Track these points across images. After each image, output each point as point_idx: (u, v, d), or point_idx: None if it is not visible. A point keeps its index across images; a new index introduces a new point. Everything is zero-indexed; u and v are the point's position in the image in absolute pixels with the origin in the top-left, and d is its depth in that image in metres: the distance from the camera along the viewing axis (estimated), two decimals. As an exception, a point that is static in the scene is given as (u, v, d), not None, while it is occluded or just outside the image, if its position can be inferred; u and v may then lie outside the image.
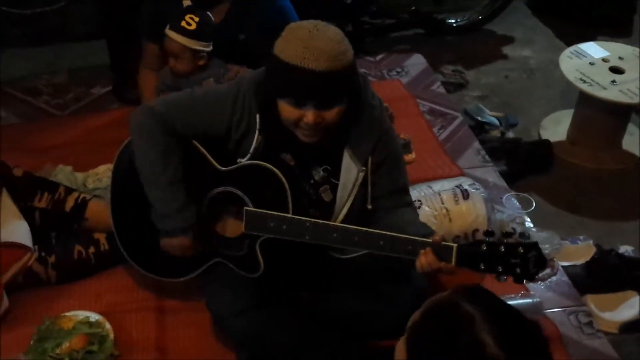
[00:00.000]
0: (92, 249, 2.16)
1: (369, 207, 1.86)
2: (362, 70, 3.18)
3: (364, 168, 1.81)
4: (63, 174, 2.45)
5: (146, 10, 2.48)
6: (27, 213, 2.14)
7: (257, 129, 1.80)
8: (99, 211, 2.18)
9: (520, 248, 1.59)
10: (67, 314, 2.01)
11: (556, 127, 3.25)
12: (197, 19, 2.25)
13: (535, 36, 4.05)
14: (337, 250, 1.95)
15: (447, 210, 2.15)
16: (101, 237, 2.18)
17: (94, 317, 2.01)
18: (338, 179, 1.84)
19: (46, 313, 2.01)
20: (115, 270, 2.19)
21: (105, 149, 2.62)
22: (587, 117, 3.06)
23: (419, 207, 2.14)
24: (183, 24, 2.24)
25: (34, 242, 2.10)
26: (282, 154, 1.85)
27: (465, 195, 2.18)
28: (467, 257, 1.64)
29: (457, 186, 2.21)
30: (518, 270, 1.61)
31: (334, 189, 1.86)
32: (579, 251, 2.51)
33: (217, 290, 1.91)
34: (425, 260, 1.66)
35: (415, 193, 2.19)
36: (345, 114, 1.73)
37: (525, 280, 1.64)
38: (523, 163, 2.97)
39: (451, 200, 2.17)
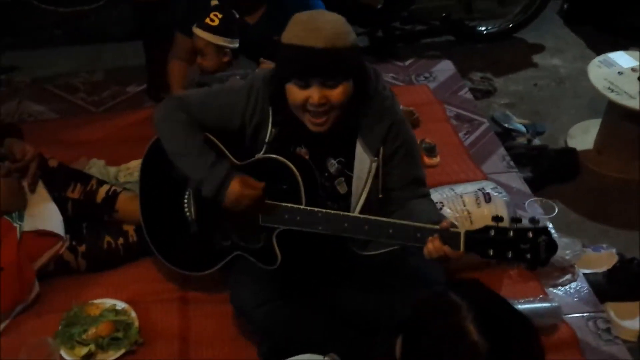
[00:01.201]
0: (120, 240, 2.23)
1: (380, 196, 1.88)
2: (390, 74, 3.28)
3: (376, 158, 1.84)
4: (96, 167, 2.54)
5: (183, 6, 2.57)
6: (60, 203, 2.22)
7: (270, 123, 1.86)
8: (129, 203, 2.25)
9: (530, 233, 1.56)
10: (95, 301, 2.09)
11: (584, 136, 3.24)
12: (220, 16, 2.34)
13: (565, 45, 4.05)
14: (358, 246, 1.99)
15: (468, 212, 2.17)
16: (130, 228, 2.25)
17: (120, 305, 2.08)
18: (352, 171, 1.88)
19: (75, 300, 2.08)
20: (142, 261, 2.25)
21: (137, 145, 2.68)
22: (615, 127, 3.05)
23: (441, 208, 2.16)
24: (207, 20, 2.34)
25: (66, 231, 2.18)
26: (297, 147, 1.90)
27: (487, 198, 2.20)
28: (476, 243, 1.63)
29: (479, 189, 2.23)
30: (528, 255, 1.58)
31: (348, 180, 1.90)
32: (601, 259, 2.50)
33: (240, 282, 1.95)
34: (432, 246, 1.67)
35: (437, 195, 2.22)
36: (355, 102, 1.77)
37: (537, 267, 1.61)
38: (548, 170, 2.97)
39: (473, 203, 2.19)
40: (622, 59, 3.10)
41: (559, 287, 2.24)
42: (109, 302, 2.09)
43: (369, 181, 1.86)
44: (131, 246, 2.24)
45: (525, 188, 2.64)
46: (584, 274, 2.32)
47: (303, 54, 1.67)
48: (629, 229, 2.81)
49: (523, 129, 3.21)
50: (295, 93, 1.73)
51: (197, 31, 2.36)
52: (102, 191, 2.29)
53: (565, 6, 4.28)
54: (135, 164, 2.59)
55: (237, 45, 2.40)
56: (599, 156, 3.11)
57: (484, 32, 3.94)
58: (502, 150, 2.84)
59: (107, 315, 2.04)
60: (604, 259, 2.50)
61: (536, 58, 3.91)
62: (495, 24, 3.98)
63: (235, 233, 1.97)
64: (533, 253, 1.58)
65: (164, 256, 2.11)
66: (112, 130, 2.87)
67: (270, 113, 1.85)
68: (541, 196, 2.67)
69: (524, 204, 2.49)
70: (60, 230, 2.16)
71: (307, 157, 1.90)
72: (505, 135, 3.15)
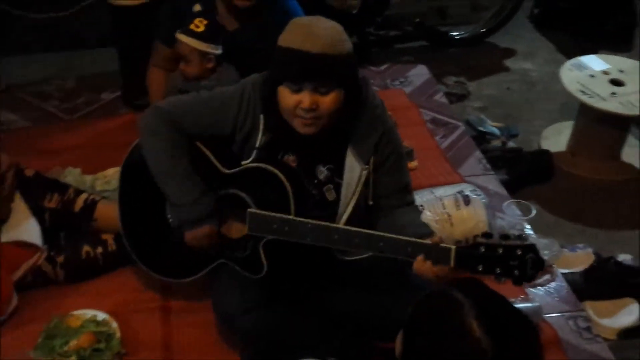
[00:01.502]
0: (100, 250, 2.20)
1: (370, 203, 1.90)
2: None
3: (367, 166, 1.85)
4: (72, 175, 2.50)
5: (163, 14, 2.55)
6: (38, 213, 2.18)
7: (260, 129, 1.85)
8: (108, 212, 2.22)
9: (519, 250, 1.61)
10: (75, 312, 2.04)
11: (557, 138, 3.30)
12: (205, 22, 2.33)
13: (536, 49, 4.11)
14: (341, 252, 1.99)
15: (448, 215, 2.20)
16: (109, 237, 2.22)
17: (101, 315, 2.04)
18: (342, 178, 1.88)
19: (54, 311, 2.04)
20: (122, 270, 2.22)
21: (114, 153, 2.65)
22: (587, 129, 3.11)
23: (421, 212, 2.18)
24: (192, 26, 2.32)
25: (44, 241, 2.15)
26: (286, 155, 1.90)
27: (467, 201, 2.22)
28: (466, 259, 1.66)
29: (458, 192, 2.26)
30: (516, 272, 1.63)
31: (337, 188, 1.90)
32: (578, 258, 2.55)
33: (225, 289, 1.94)
34: (423, 267, 1.69)
35: (417, 198, 2.21)
36: (347, 110, 1.78)
37: (523, 282, 1.66)
38: (524, 172, 3.01)
39: (453, 206, 2.21)
40: (594, 62, 3.17)
41: (539, 287, 2.27)
42: (89, 312, 2.05)
43: (359, 189, 1.87)
44: (110, 255, 2.21)
45: (502, 190, 2.67)
46: (562, 274, 2.35)
47: (298, 57, 1.68)
48: (604, 228, 2.87)
49: (497, 132, 3.26)
50: (287, 96, 1.74)
51: (182, 37, 2.34)
52: (80, 200, 2.25)
53: (536, 11, 4.35)
54: (112, 172, 2.57)
55: (220, 51, 2.39)
56: (572, 158, 3.17)
57: (457, 37, 3.99)
58: (478, 153, 2.87)
59: (88, 326, 2.00)
60: (580, 258, 2.55)
61: (508, 62, 3.96)
62: (467, 29, 4.03)
63: (221, 241, 1.96)
64: (520, 269, 1.63)
65: (146, 264, 2.08)
66: (87, 138, 2.83)
67: (262, 119, 1.85)
68: (517, 198, 2.70)
69: (502, 206, 2.51)
70: (38, 241, 2.12)
71: (294, 164, 1.90)
72: (480, 139, 3.18)
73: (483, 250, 1.64)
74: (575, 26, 4.21)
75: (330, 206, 1.91)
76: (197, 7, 2.36)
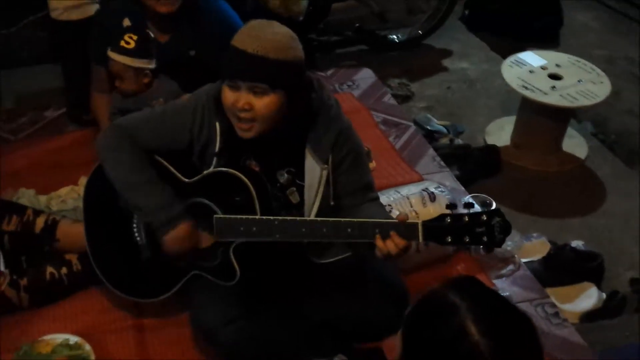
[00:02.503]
0: (64, 270, 2.13)
1: (332, 203, 1.91)
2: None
3: (326, 166, 1.86)
4: (26, 197, 2.41)
5: (93, 34, 2.52)
6: (-4, 237, 2.10)
7: (217, 137, 1.85)
8: (70, 231, 2.16)
9: (484, 216, 1.64)
10: (45, 337, 1.97)
11: (500, 133, 3.41)
12: (135, 37, 2.30)
13: (471, 49, 4.24)
14: (314, 255, 2.00)
15: (416, 212, 2.23)
16: (73, 257, 2.15)
17: (73, 339, 1.97)
18: (303, 180, 1.89)
19: (22, 339, 1.96)
20: (90, 291, 2.16)
21: (65, 171, 2.61)
22: (530, 122, 3.23)
23: (390, 211, 2.21)
24: (122, 43, 2.28)
25: (5, 266, 2.06)
26: (247, 160, 1.90)
27: (432, 197, 2.27)
28: (433, 232, 1.69)
29: (423, 190, 2.30)
30: (485, 238, 1.65)
31: (300, 190, 1.91)
32: (534, 248, 2.64)
33: (203, 302, 1.91)
34: (392, 243, 1.70)
35: (384, 198, 2.26)
36: (300, 113, 1.80)
37: (493, 248, 1.68)
38: (474, 168, 3.09)
39: (419, 203, 2.25)
40: (531, 58, 3.30)
41: (504, 278, 2.34)
42: (60, 337, 1.98)
43: (321, 189, 1.88)
44: (76, 275, 2.14)
45: (459, 186, 2.74)
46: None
47: (236, 55, 1.71)
48: (553, 217, 2.98)
49: (444, 130, 3.34)
50: (226, 94, 1.76)
51: (113, 55, 2.30)
52: (40, 221, 2.18)
53: (466, 12, 4.48)
54: (67, 191, 2.50)
55: (154, 65, 2.35)
56: (516, 151, 3.28)
57: (396, 40, 4.07)
58: (431, 152, 2.94)
59: (60, 351, 1.93)
60: (537, 247, 2.64)
61: (446, 62, 4.07)
62: (405, 32, 4.11)
63: (191, 252, 1.93)
64: (489, 235, 1.65)
65: (115, 285, 2.02)
66: (36, 158, 2.73)
67: (218, 126, 1.84)
68: (470, 192, 2.78)
69: (461, 201, 2.58)
70: (-1, 266, 2.04)
71: (257, 168, 1.90)
72: (429, 137, 3.25)
73: (449, 221, 1.66)
74: (504, 26, 4.36)
75: (296, 209, 1.92)
76: (126, 22, 2.33)
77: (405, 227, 1.71)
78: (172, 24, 2.44)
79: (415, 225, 1.70)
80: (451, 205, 1.70)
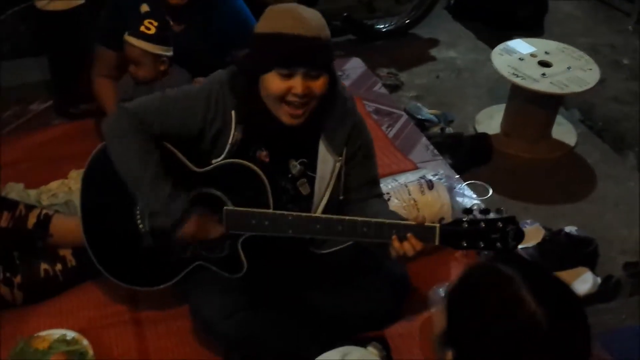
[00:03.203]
0: (58, 266, 2.09)
1: (340, 197, 1.90)
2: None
3: (340, 158, 1.85)
4: (15, 191, 2.36)
5: (105, 17, 2.45)
6: (-13, 234, 2.05)
7: (232, 125, 1.80)
8: (64, 226, 2.11)
9: (499, 223, 1.67)
10: (42, 333, 1.93)
11: (489, 122, 3.41)
12: (156, 24, 2.25)
13: (457, 39, 4.23)
14: (316, 246, 1.98)
15: (414, 200, 2.23)
16: (67, 253, 2.11)
17: (70, 334, 1.94)
18: (315, 172, 1.87)
19: (19, 334, 1.92)
20: (85, 285, 2.12)
21: (54, 165, 2.57)
22: (520, 110, 3.23)
23: (389, 199, 2.20)
24: (142, 29, 2.24)
25: (-2, 263, 2.01)
26: (258, 150, 1.86)
27: (430, 185, 2.26)
28: (450, 236, 1.70)
29: (421, 177, 2.30)
30: (499, 244, 1.67)
31: (311, 182, 1.88)
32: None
33: (204, 294, 1.88)
34: (408, 245, 1.70)
35: (383, 187, 2.23)
36: (321, 101, 1.76)
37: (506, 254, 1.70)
38: (466, 156, 3.09)
39: (417, 191, 2.25)
40: (520, 46, 3.30)
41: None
42: (57, 332, 1.94)
43: (332, 182, 1.86)
44: (70, 271, 2.10)
45: (453, 174, 2.74)
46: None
47: (291, 41, 1.64)
48: (544, 203, 2.99)
49: (435, 119, 3.33)
50: (276, 83, 1.69)
51: (132, 40, 2.25)
52: (33, 216, 2.12)
53: (451, 1, 4.48)
54: (57, 185, 2.46)
55: (172, 53, 2.31)
56: (507, 139, 3.29)
57: (383, 30, 4.05)
58: (424, 140, 2.94)
59: (57, 347, 1.90)
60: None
61: (433, 52, 4.06)
62: (392, 21, 4.10)
63: (197, 243, 1.90)
64: (502, 242, 1.67)
65: (114, 275, 1.97)
66: (24, 152, 2.68)
67: (234, 115, 1.80)
68: (462, 180, 2.78)
69: (457, 188, 2.57)
70: (-8, 263, 1.99)
71: (267, 159, 1.86)
72: (420, 126, 3.24)
73: (466, 226, 1.68)
74: (489, 14, 4.37)
75: (305, 200, 1.90)
76: (144, 8, 2.27)
77: (422, 230, 1.71)
78: (186, 15, 2.39)
79: (433, 228, 1.71)
80: (468, 210, 1.72)
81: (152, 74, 2.30)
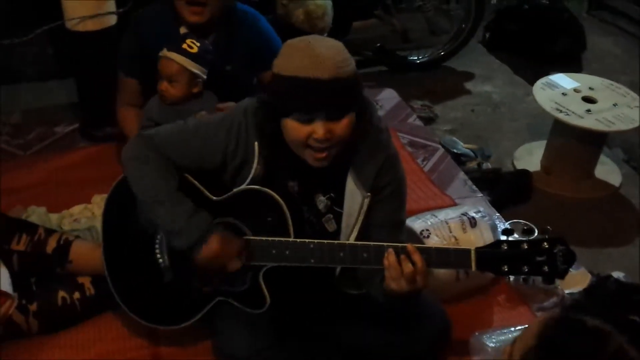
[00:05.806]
0: (76, 295, 1.97)
1: None
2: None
3: (368, 194, 1.70)
4: (36, 215, 2.27)
5: (126, 44, 2.38)
6: (4, 257, 1.94)
7: (255, 158, 1.69)
8: (85, 252, 2.01)
9: (545, 243, 1.51)
10: (55, 367, 1.82)
11: (529, 158, 3.27)
12: (198, 44, 2.20)
13: (493, 72, 4.13)
14: (350, 286, 1.84)
15: (455, 238, 2.09)
16: (86, 281, 2.00)
17: (85, 369, 1.82)
18: (342, 207, 1.74)
19: (30, 367, 1.81)
20: (103, 316, 2.01)
21: (77, 189, 2.49)
22: (563, 147, 3.09)
23: (428, 236, 2.06)
24: (184, 46, 2.18)
25: (13, 289, 1.90)
26: (290, 181, 1.75)
27: (473, 223, 2.12)
28: (488, 260, 1.55)
29: (463, 214, 2.16)
30: (546, 268, 1.52)
31: (337, 218, 1.76)
32: (574, 278, 2.47)
33: (229, 331, 1.76)
34: (387, 262, 1.57)
35: (421, 223, 2.12)
36: (352, 135, 1.63)
37: (555, 280, 1.54)
38: (505, 193, 2.95)
39: (459, 229, 2.11)
40: (563, 80, 3.18)
41: (548, 310, 2.18)
42: (71, 367, 1.82)
43: (361, 218, 1.72)
44: (89, 301, 1.98)
45: (493, 211, 2.60)
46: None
47: (308, 86, 1.50)
48: (587, 246, 2.82)
49: (471, 154, 3.20)
50: (296, 129, 1.57)
51: (172, 55, 2.17)
52: (53, 241, 2.02)
53: (487, 35, 4.39)
54: (80, 209, 2.36)
55: (206, 76, 2.23)
56: (548, 177, 3.14)
57: (417, 62, 3.96)
58: (462, 175, 2.81)
59: (71, 383, 1.78)
60: (577, 278, 2.47)
61: (468, 85, 3.96)
62: (426, 53, 4.00)
63: (218, 277, 1.77)
64: (550, 265, 1.51)
65: (133, 310, 1.86)
66: (47, 174, 2.59)
67: (257, 147, 1.68)
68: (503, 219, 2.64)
69: (501, 227, 2.43)
70: (7, 288, 1.87)
71: (296, 189, 1.74)
72: (456, 161, 3.12)
73: (505, 247, 1.53)
74: (525, 48, 4.27)
75: (331, 237, 1.74)
76: (183, 30, 2.22)
77: (456, 254, 1.56)
78: (206, 34, 2.32)
79: (467, 251, 1.55)
80: (507, 231, 1.56)
81: (184, 94, 2.21)
